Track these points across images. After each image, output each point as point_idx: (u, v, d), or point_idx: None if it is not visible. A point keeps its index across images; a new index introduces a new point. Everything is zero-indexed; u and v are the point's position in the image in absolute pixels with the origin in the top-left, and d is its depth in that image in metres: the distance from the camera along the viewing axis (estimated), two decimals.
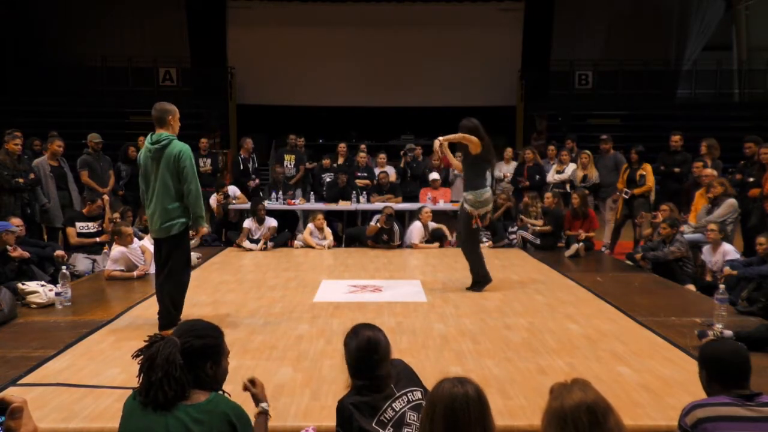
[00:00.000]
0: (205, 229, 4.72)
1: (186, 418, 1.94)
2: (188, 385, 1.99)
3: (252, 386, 2.34)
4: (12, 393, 1.45)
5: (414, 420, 2.35)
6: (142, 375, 2.00)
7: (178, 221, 4.43)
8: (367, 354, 2.39)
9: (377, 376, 2.39)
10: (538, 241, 8.53)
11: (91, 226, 7.29)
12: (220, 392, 2.13)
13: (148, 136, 4.54)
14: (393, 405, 2.34)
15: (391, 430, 2.30)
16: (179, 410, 1.95)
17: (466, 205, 5.88)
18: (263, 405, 2.31)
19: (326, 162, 9.98)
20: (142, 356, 2.02)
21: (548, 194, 8.84)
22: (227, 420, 1.98)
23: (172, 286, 4.52)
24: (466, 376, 1.82)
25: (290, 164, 10.06)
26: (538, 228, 8.54)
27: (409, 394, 2.41)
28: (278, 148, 11.14)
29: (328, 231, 8.69)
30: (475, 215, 5.85)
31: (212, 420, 1.96)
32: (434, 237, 8.66)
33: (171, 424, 1.93)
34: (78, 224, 7.23)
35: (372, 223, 8.74)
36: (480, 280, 6.05)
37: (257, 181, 9.89)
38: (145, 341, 2.05)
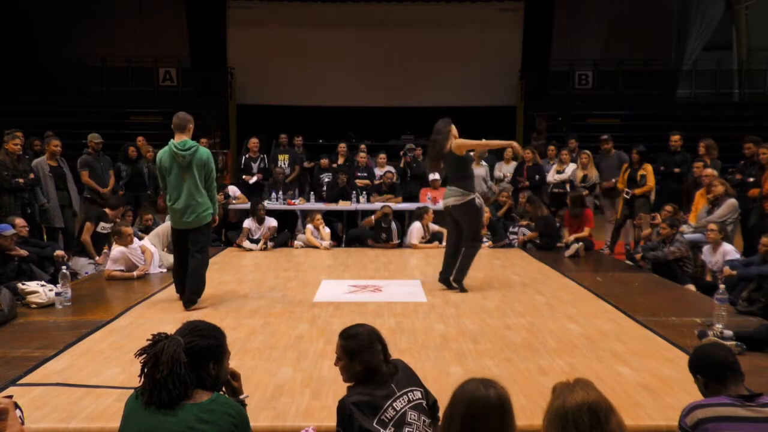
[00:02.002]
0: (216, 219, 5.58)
1: (190, 418, 1.94)
2: (192, 384, 1.99)
3: (233, 379, 2.33)
4: (23, 396, 1.45)
5: (415, 419, 2.36)
6: (145, 373, 1.99)
7: (208, 211, 5.34)
8: (377, 348, 2.43)
9: (377, 368, 2.41)
10: (537, 241, 8.55)
11: (109, 229, 7.26)
12: (221, 392, 2.14)
13: (172, 142, 5.26)
14: (394, 404, 2.35)
15: (392, 429, 2.30)
16: (183, 409, 1.95)
17: (481, 202, 6.02)
18: (242, 398, 2.33)
19: (324, 162, 9.96)
20: (145, 355, 2.01)
21: (525, 201, 8.86)
22: (230, 420, 1.99)
23: (205, 264, 5.48)
24: (494, 380, 1.77)
25: (284, 164, 10.06)
26: (529, 235, 8.57)
27: (409, 394, 2.41)
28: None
29: (326, 231, 8.69)
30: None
31: (216, 419, 1.96)
32: (434, 237, 8.67)
33: (174, 422, 1.93)
34: (102, 224, 7.19)
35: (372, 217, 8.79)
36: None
37: (260, 176, 9.82)
38: (148, 340, 2.05)
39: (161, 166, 5.32)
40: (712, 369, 2.46)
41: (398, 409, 2.35)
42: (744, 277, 5.51)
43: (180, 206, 5.27)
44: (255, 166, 9.85)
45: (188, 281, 5.33)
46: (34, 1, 16.02)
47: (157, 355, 1.97)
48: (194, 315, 5.05)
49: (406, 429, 2.33)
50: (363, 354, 2.40)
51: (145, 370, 1.99)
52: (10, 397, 1.40)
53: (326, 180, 9.76)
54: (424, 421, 2.40)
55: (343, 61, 16.44)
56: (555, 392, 1.84)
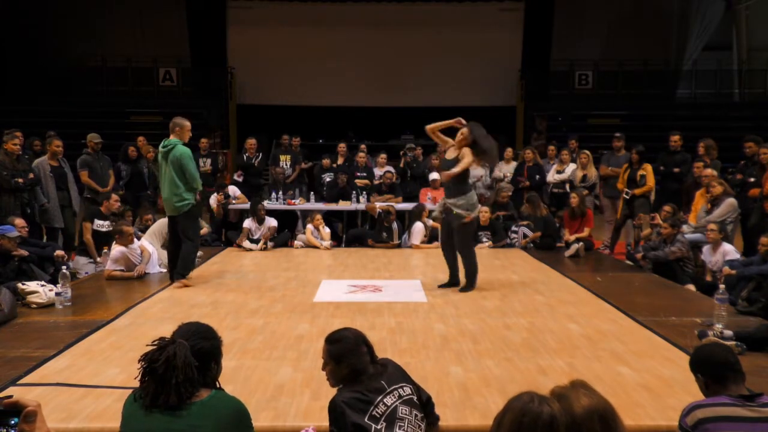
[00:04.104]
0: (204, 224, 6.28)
1: (191, 416, 1.96)
2: (199, 385, 2.03)
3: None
4: (26, 396, 1.44)
5: (406, 414, 2.38)
6: (153, 377, 1.97)
7: (185, 202, 6.02)
8: (363, 350, 2.46)
9: (364, 370, 2.43)
10: (537, 240, 8.54)
11: (105, 225, 7.27)
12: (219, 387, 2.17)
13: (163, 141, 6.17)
14: (384, 400, 2.37)
15: (384, 424, 2.32)
16: (186, 408, 1.97)
17: (459, 211, 5.86)
18: None
19: (326, 162, 9.98)
20: (151, 359, 1.99)
21: (525, 201, 8.88)
22: (231, 414, 2.02)
23: (191, 248, 6.18)
24: (553, 399, 1.75)
25: (286, 164, 10.08)
26: (531, 236, 8.56)
27: (400, 390, 2.44)
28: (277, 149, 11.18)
29: (325, 231, 8.69)
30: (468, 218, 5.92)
31: (217, 415, 1.99)
32: (433, 236, 8.67)
33: (177, 422, 1.94)
34: (96, 222, 7.25)
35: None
36: (472, 280, 6.10)
37: (240, 172, 9.96)
38: (151, 345, 2.04)
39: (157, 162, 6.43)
40: (712, 369, 2.46)
41: (389, 404, 2.37)
42: (744, 277, 5.51)
43: (165, 196, 6.21)
44: (255, 163, 9.95)
45: (178, 262, 6.18)
46: (34, 1, 16.02)
47: (169, 359, 1.96)
48: (195, 314, 5.05)
49: (398, 423, 2.34)
50: (349, 358, 2.43)
51: (156, 374, 1.97)
52: (10, 397, 1.40)
53: (327, 180, 9.77)
54: (416, 415, 2.42)
55: (343, 61, 16.44)
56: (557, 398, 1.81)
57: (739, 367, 2.45)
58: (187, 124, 6.16)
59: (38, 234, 7.33)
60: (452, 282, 6.21)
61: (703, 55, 16.82)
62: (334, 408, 2.35)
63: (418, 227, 8.60)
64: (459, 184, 5.90)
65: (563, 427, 1.63)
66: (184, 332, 2.17)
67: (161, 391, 1.95)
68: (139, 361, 2.02)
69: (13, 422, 1.36)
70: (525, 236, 8.64)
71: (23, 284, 5.39)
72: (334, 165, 10.03)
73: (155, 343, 2.03)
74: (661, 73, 16.85)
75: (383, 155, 10.41)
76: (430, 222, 8.73)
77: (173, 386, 1.94)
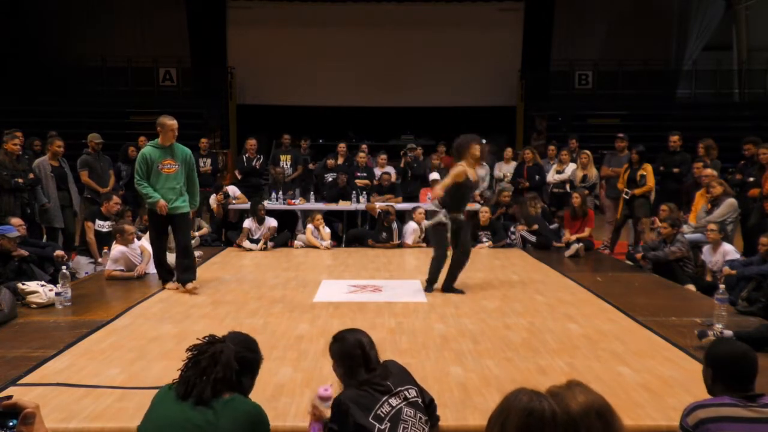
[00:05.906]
0: (163, 201, 5.86)
1: (209, 413, 2.04)
2: (229, 388, 2.11)
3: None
4: (26, 396, 1.45)
5: (410, 416, 2.40)
6: (196, 368, 2.08)
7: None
8: (356, 353, 2.50)
9: (371, 371, 2.47)
10: (534, 239, 8.54)
11: (105, 226, 7.28)
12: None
13: None
14: (389, 401, 2.40)
15: (388, 424, 2.34)
16: (209, 405, 2.05)
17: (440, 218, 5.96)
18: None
19: (330, 162, 9.98)
20: (198, 351, 2.12)
21: (515, 206, 8.93)
22: (248, 418, 2.09)
23: (155, 248, 6.10)
24: (543, 394, 1.76)
25: (286, 164, 10.08)
26: (527, 230, 8.58)
27: (405, 392, 2.46)
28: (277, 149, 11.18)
29: (326, 231, 8.69)
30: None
31: (234, 415, 2.06)
32: (428, 235, 8.69)
33: (195, 416, 2.02)
34: (98, 222, 7.25)
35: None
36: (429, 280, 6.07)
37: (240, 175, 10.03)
38: (199, 339, 2.17)
39: None
40: (728, 369, 2.42)
41: (394, 405, 2.39)
42: (744, 277, 5.51)
43: None
44: (256, 166, 9.92)
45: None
46: (34, 1, 16.02)
47: (215, 356, 2.09)
48: (194, 314, 5.05)
49: (402, 425, 2.36)
50: (343, 359, 2.53)
51: (199, 365, 2.08)
52: (10, 397, 1.40)
53: (329, 179, 9.77)
54: (420, 418, 2.44)
55: (343, 61, 16.45)
56: (554, 399, 1.80)
57: (754, 371, 2.39)
58: (169, 123, 5.80)
59: (38, 234, 7.33)
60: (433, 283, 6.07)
61: (703, 55, 16.82)
62: (338, 406, 2.38)
63: (411, 227, 8.64)
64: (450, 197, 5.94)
65: (561, 423, 1.63)
66: (233, 339, 2.28)
67: (197, 382, 2.04)
68: (187, 350, 2.14)
69: (11, 424, 1.36)
70: (523, 237, 8.65)
71: (23, 284, 5.38)
72: (335, 165, 10.03)
73: (205, 338, 2.17)
74: (661, 73, 16.86)
75: (383, 155, 10.42)
76: (426, 223, 8.73)
77: (211, 381, 2.04)
